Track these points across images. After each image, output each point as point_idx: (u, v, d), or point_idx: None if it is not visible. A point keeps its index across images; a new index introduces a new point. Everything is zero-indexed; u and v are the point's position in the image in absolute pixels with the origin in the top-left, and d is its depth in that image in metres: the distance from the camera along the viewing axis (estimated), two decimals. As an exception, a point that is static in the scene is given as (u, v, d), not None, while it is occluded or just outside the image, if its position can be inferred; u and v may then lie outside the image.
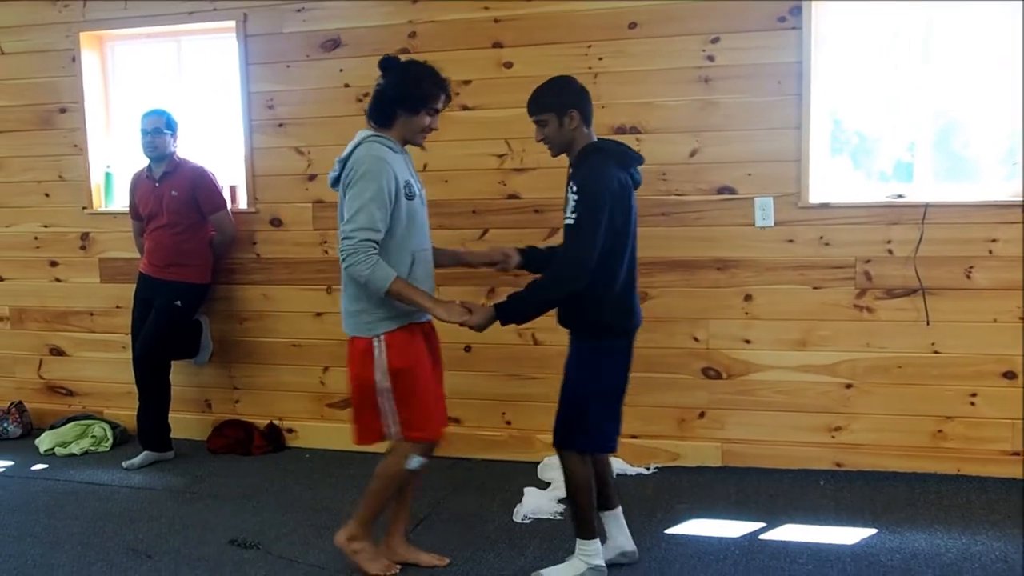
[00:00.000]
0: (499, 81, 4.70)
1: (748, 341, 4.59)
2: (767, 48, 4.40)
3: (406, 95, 3.33)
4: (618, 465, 4.46)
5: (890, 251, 4.38)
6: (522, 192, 4.77)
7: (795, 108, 4.38)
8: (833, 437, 4.54)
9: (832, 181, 4.54)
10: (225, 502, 4.42)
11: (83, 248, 5.53)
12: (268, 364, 5.29)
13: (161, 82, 5.45)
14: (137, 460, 4.97)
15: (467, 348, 4.90)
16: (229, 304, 5.31)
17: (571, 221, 3.22)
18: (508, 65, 4.70)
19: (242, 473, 4.84)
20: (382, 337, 3.31)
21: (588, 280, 3.19)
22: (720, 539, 3.81)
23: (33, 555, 3.84)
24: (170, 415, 5.10)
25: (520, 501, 4.18)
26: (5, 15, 5.45)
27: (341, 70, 4.94)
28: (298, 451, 5.19)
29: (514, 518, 4.08)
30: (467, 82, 4.71)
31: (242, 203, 5.27)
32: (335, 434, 5.11)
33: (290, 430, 5.27)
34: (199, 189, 4.95)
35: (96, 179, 5.47)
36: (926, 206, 4.30)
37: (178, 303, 4.96)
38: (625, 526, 3.57)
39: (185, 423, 5.34)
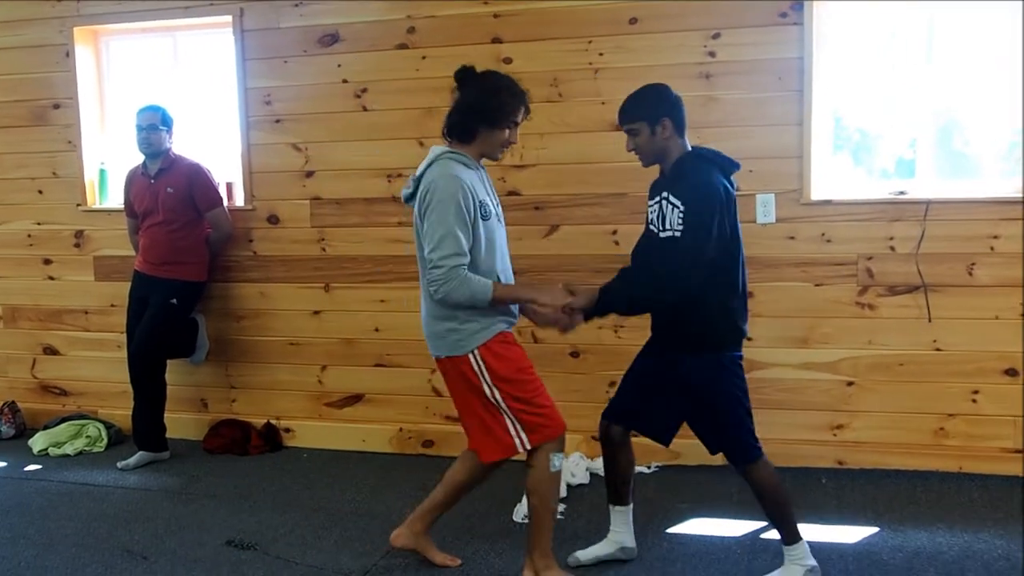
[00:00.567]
0: (498, 77, 4.67)
1: (749, 338, 4.52)
2: (768, 44, 4.38)
3: (487, 108, 3.22)
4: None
5: (892, 248, 4.36)
6: (522, 189, 4.74)
7: (796, 104, 4.36)
8: (835, 435, 4.52)
9: (834, 178, 4.52)
10: (222, 503, 4.39)
11: (77, 246, 5.49)
12: (265, 363, 5.25)
13: (156, 78, 5.40)
14: (132, 460, 4.93)
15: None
16: (225, 302, 5.27)
17: (678, 233, 3.15)
18: (507, 61, 4.67)
19: (239, 473, 4.80)
20: (477, 351, 3.22)
21: (698, 291, 3.14)
22: (722, 538, 3.80)
23: (27, 557, 3.80)
24: (166, 415, 5.07)
25: (520, 501, 4.14)
26: (-2, 10, 5.41)
27: (339, 65, 4.90)
28: (296, 451, 5.16)
29: (514, 518, 4.06)
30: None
31: (239, 200, 5.22)
32: (333, 433, 5.09)
33: (287, 430, 5.24)
34: (195, 186, 4.92)
35: (90, 176, 5.43)
36: (928, 203, 4.29)
37: (174, 301, 4.93)
38: (631, 524, 3.57)
39: (181, 423, 5.30)
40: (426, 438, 5.00)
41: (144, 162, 4.97)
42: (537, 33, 4.63)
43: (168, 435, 5.08)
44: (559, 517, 4.02)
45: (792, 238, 4.46)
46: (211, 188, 4.99)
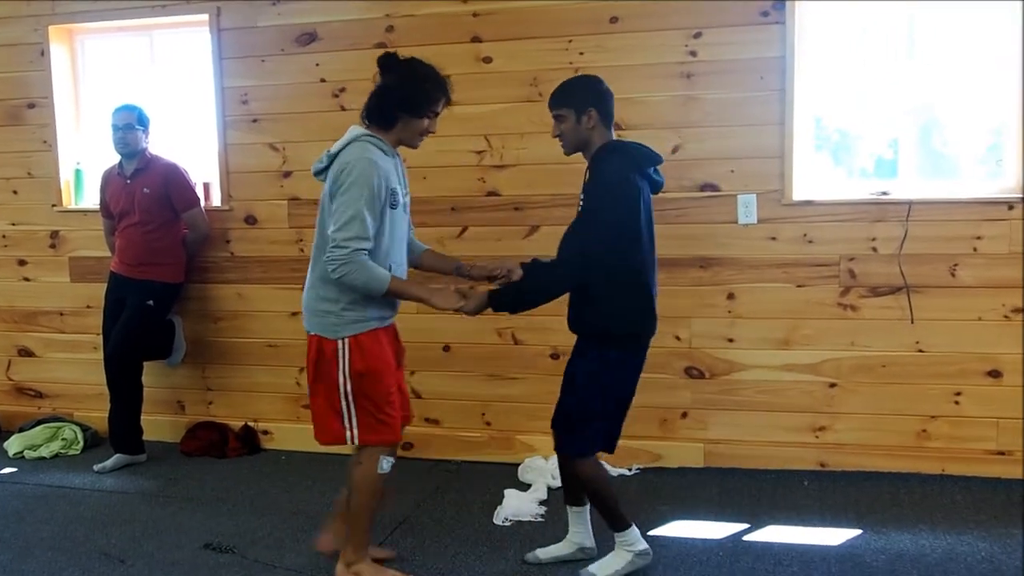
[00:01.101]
0: (478, 76, 4.63)
1: (731, 340, 4.54)
2: (750, 43, 4.36)
3: (408, 96, 3.24)
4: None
5: (874, 249, 4.35)
6: (502, 189, 4.71)
7: (778, 104, 4.35)
8: (817, 437, 4.50)
9: (815, 178, 4.50)
10: (199, 505, 4.34)
11: (52, 247, 5.42)
12: (242, 365, 5.20)
13: (132, 77, 5.35)
14: (109, 463, 4.87)
15: (446, 348, 4.84)
16: (203, 304, 5.21)
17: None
18: (487, 60, 4.64)
19: (217, 476, 4.76)
20: (347, 340, 3.25)
21: (586, 279, 3.16)
22: (703, 541, 3.78)
23: (3, 561, 3.75)
24: (142, 417, 5.01)
25: (501, 503, 4.13)
26: (-29, 8, 5.34)
27: (317, 64, 4.86)
28: (274, 453, 5.11)
29: (495, 520, 4.03)
30: (445, 77, 4.63)
31: (216, 200, 5.17)
32: (311, 436, 4.99)
33: (265, 432, 5.19)
34: (171, 186, 4.86)
35: (66, 176, 5.36)
36: (910, 203, 4.28)
37: (150, 303, 4.87)
38: (589, 524, 3.58)
39: (158, 425, 5.25)
40: (404, 440, 4.96)
41: (120, 162, 4.91)
42: (517, 32, 4.60)
43: (145, 437, 5.02)
44: (540, 520, 4.01)
45: (773, 239, 4.44)
46: (188, 188, 4.93)
